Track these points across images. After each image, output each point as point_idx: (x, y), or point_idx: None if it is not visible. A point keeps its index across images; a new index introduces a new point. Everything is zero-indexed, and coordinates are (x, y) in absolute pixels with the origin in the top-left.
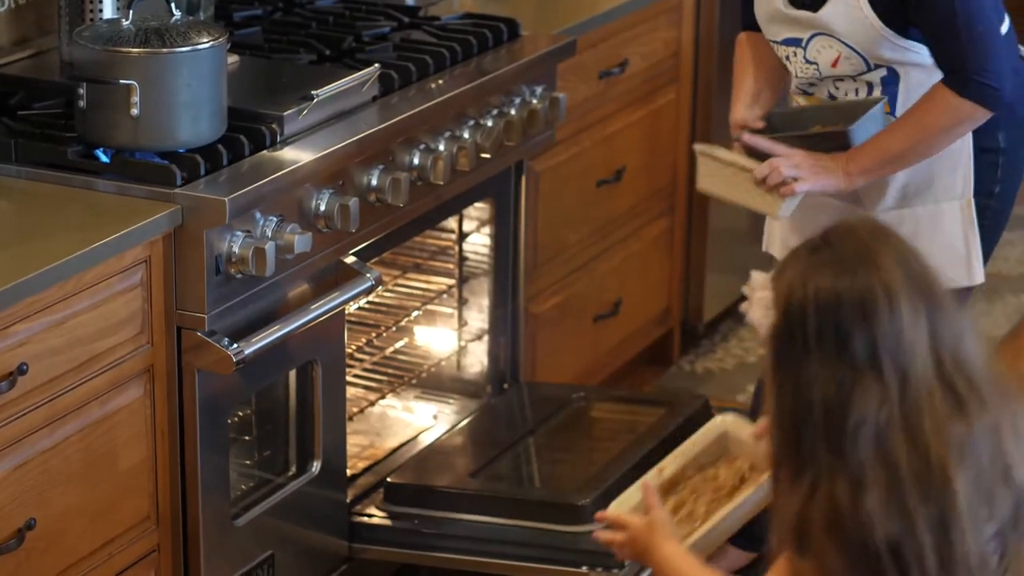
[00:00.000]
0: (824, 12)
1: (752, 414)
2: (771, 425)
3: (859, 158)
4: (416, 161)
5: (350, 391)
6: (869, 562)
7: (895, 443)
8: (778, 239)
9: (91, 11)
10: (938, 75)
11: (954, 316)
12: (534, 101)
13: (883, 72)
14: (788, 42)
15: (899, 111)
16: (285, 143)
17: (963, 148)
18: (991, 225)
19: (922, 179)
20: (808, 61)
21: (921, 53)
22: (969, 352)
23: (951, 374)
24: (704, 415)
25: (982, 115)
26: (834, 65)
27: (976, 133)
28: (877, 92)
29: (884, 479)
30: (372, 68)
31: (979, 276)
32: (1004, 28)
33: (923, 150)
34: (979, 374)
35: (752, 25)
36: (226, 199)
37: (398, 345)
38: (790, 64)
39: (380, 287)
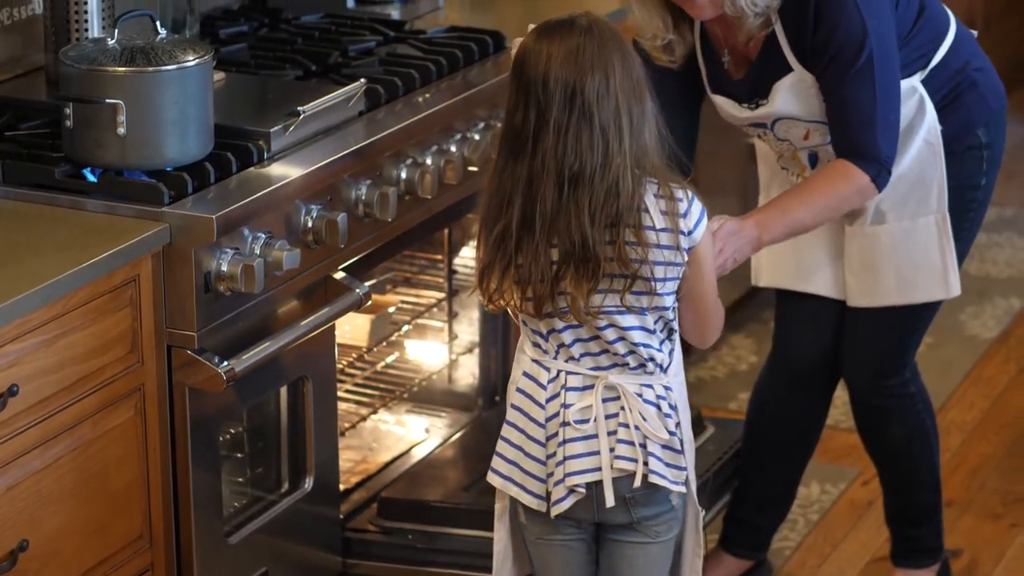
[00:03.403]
0: (777, 103)
1: (746, 424)
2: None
3: (774, 229)
4: (404, 175)
5: (342, 406)
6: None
7: (519, 155)
8: (765, 272)
9: (77, 30)
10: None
11: (626, 111)
12: None
13: None
14: (755, 126)
15: None
16: (272, 159)
17: (936, 165)
18: (976, 217)
19: (897, 196)
20: (780, 139)
21: None
22: (607, 134)
23: (578, 138)
24: (697, 425)
25: (874, 197)
26: (805, 138)
27: (958, 135)
28: None
29: (503, 176)
30: (358, 83)
31: (956, 289)
32: (950, 36)
33: (827, 220)
34: (611, 150)
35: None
36: (214, 217)
37: (389, 359)
38: (762, 141)
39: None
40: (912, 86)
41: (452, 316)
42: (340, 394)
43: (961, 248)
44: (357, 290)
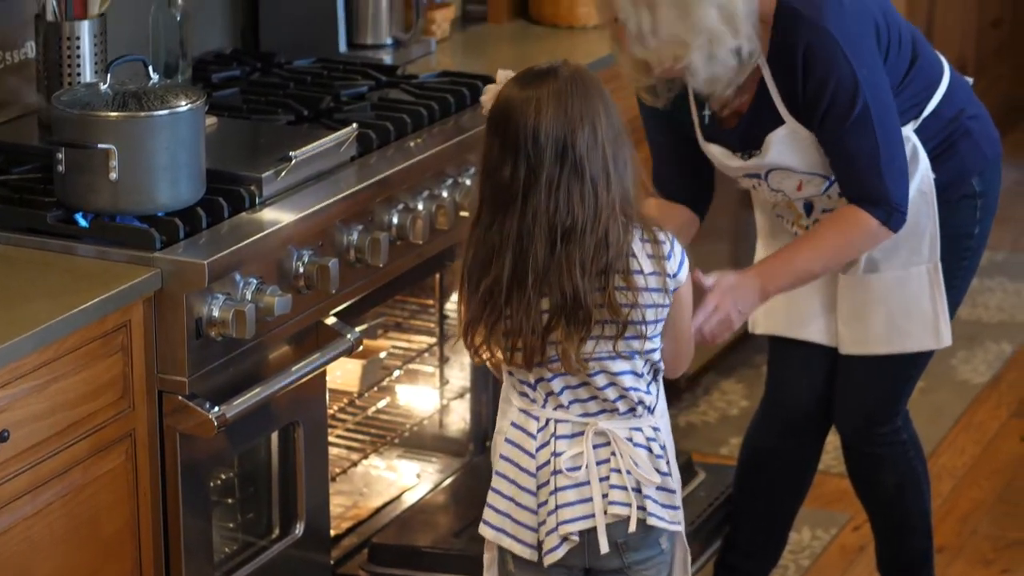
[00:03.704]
0: (770, 154)
1: (738, 469)
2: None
3: (776, 278)
4: (395, 220)
5: (333, 451)
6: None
7: (509, 210)
8: (760, 320)
9: (70, 75)
10: None
11: (612, 160)
12: None
13: None
14: (749, 176)
15: None
16: (264, 205)
17: (929, 214)
18: (969, 265)
19: (890, 244)
20: (773, 189)
21: None
22: (597, 185)
23: (569, 192)
24: (687, 470)
25: (891, 237)
26: (799, 190)
27: (952, 183)
28: None
29: (493, 231)
30: (350, 128)
31: (946, 339)
32: (944, 84)
33: (835, 267)
34: (600, 201)
35: (664, 188)
36: (205, 262)
37: (380, 404)
38: (757, 191)
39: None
40: (905, 135)
41: (443, 361)
42: (331, 439)
43: (955, 297)
44: (348, 335)
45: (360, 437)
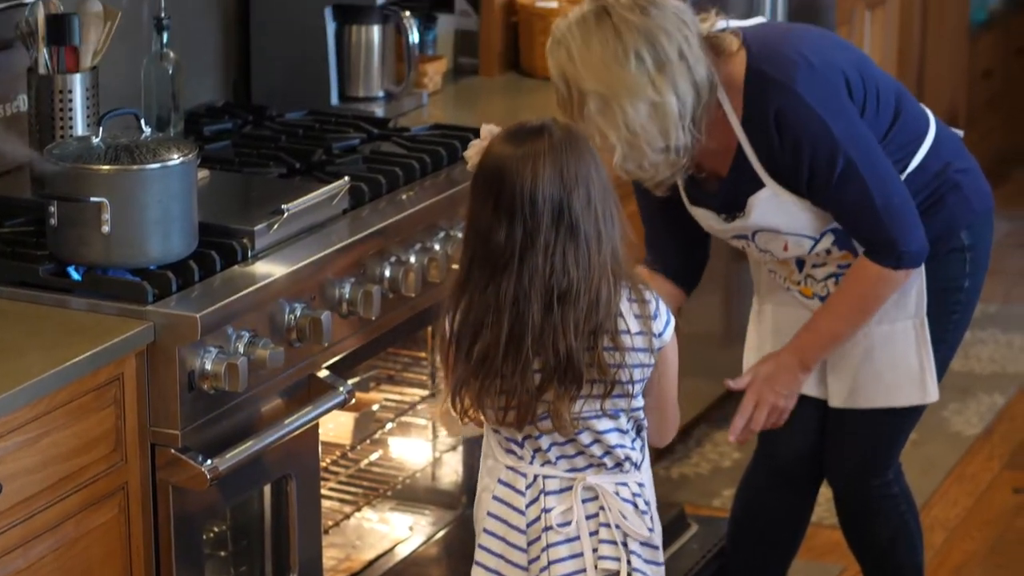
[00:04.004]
0: (753, 216)
1: (731, 522)
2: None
3: (810, 349)
4: (388, 273)
5: (325, 504)
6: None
7: (504, 274)
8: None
9: (62, 128)
10: None
11: (602, 221)
12: None
13: (831, 237)
14: (737, 237)
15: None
16: (256, 258)
17: (916, 270)
18: (960, 319)
19: None
20: (762, 250)
21: None
22: (590, 247)
23: (564, 255)
24: (680, 523)
25: (914, 273)
26: (785, 250)
27: (940, 237)
28: (835, 251)
29: (488, 293)
30: (342, 181)
31: (933, 395)
32: (929, 137)
33: (865, 322)
34: (591, 262)
35: (656, 251)
36: (198, 315)
37: (373, 457)
38: (747, 250)
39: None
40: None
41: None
42: (324, 492)
43: (946, 351)
44: (341, 388)
45: (353, 490)
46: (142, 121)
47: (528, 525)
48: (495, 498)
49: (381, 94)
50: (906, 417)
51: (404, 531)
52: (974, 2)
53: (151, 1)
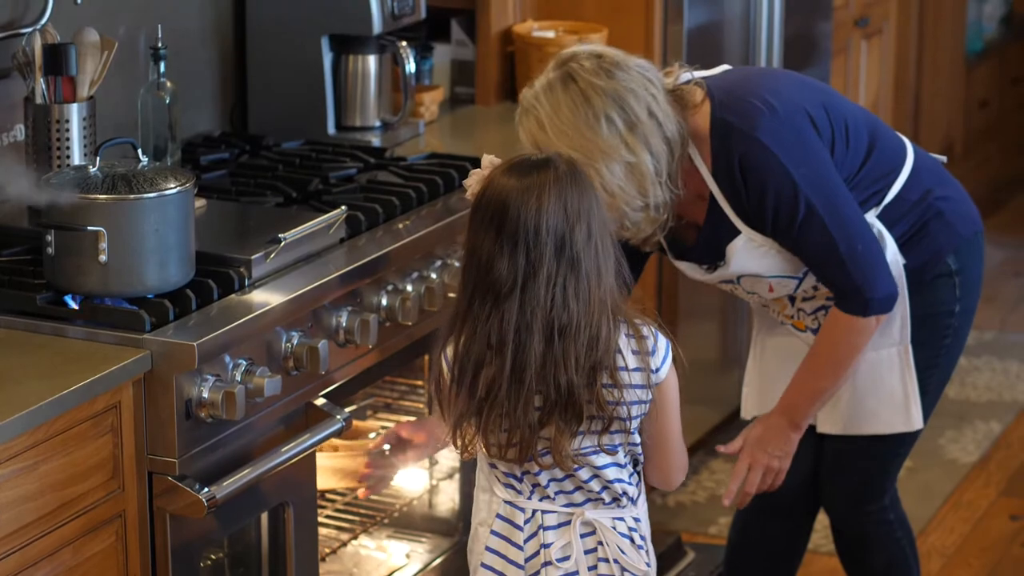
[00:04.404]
0: (733, 264)
1: (728, 549)
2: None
3: (798, 408)
4: (384, 302)
5: (322, 531)
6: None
7: (505, 307)
8: (751, 403)
9: (59, 158)
10: None
11: (601, 257)
12: None
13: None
14: (724, 282)
15: None
16: (253, 286)
17: (900, 298)
18: (952, 344)
19: None
20: (749, 292)
21: None
22: (591, 281)
23: (565, 288)
24: (677, 550)
25: (885, 318)
26: (770, 291)
27: (926, 263)
28: (822, 288)
29: (490, 326)
30: (339, 210)
31: (918, 422)
32: (907, 168)
33: (845, 374)
34: (591, 297)
35: None
36: (195, 344)
37: None
38: (735, 292)
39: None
40: (868, 221)
41: None
42: (321, 519)
43: (940, 376)
44: (338, 416)
45: (350, 517)
46: (139, 151)
47: (526, 560)
48: (493, 532)
49: (378, 124)
50: (898, 444)
51: (401, 558)
52: (970, 32)
53: (148, 31)
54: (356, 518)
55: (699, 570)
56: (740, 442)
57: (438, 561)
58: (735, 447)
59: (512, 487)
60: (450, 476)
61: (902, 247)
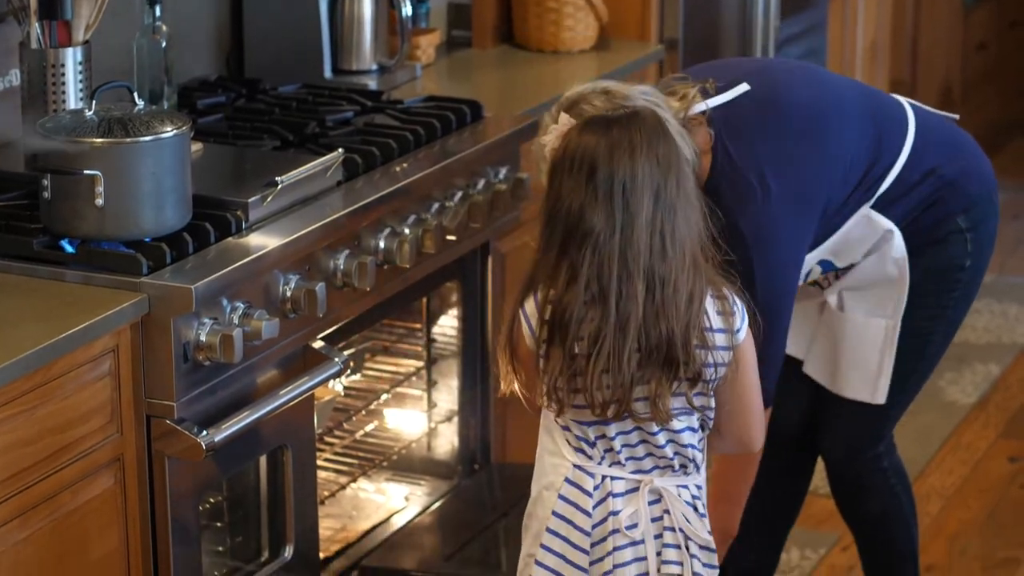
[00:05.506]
0: None
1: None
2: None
3: (731, 520)
4: (382, 245)
5: (321, 475)
6: (564, 335)
7: (605, 255)
8: None
9: (54, 102)
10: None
11: (689, 210)
12: (499, 182)
13: (818, 269)
14: None
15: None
16: (250, 230)
17: (901, 282)
18: (961, 296)
19: (858, 285)
20: None
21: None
22: (683, 233)
23: (663, 236)
24: None
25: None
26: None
27: (937, 224)
28: (823, 274)
29: (589, 277)
30: (336, 153)
31: (881, 398)
32: (903, 155)
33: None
34: (684, 249)
35: None
36: (192, 287)
37: (368, 428)
38: None
39: (349, 371)
40: (862, 213)
41: (431, 385)
42: (319, 463)
43: (947, 328)
44: (336, 359)
45: (348, 460)
46: (135, 94)
47: (594, 527)
48: (561, 497)
49: (374, 67)
50: (902, 389)
51: (400, 501)
52: None
53: None
54: (355, 461)
55: None
56: None
57: (437, 504)
58: None
59: (583, 452)
60: (449, 419)
61: (913, 220)
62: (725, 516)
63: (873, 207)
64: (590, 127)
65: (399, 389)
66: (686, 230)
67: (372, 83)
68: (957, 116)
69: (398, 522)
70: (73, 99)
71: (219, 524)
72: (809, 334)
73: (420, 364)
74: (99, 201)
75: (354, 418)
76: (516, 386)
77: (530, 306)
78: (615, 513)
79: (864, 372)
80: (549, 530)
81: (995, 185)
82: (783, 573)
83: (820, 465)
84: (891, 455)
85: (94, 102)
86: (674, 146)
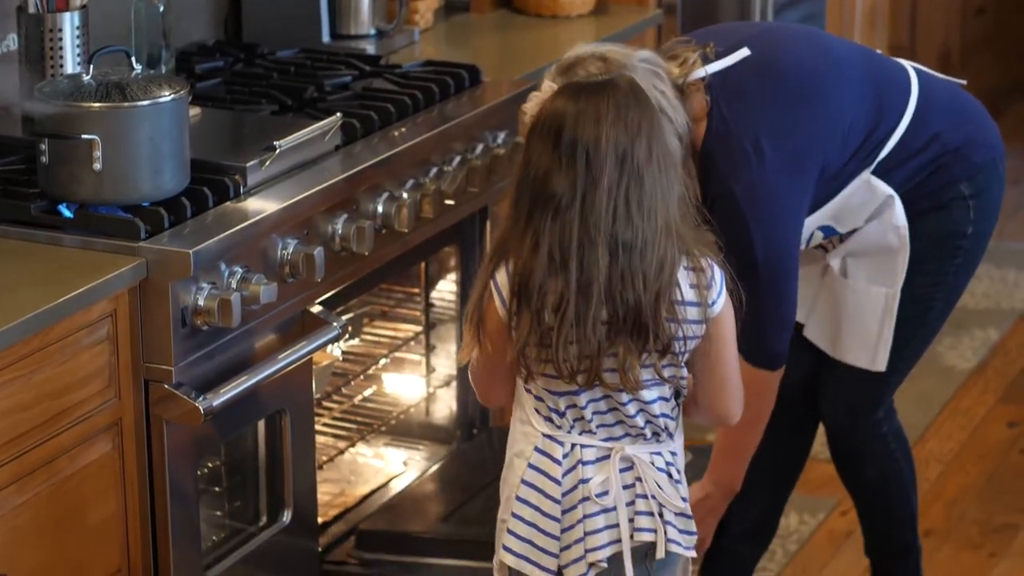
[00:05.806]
0: None
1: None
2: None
3: (727, 473)
4: (380, 209)
5: (320, 439)
6: (529, 302)
7: (567, 220)
8: None
9: (52, 67)
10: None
11: (664, 177)
12: (497, 147)
13: (819, 234)
14: None
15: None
16: (249, 194)
17: (902, 251)
18: (963, 264)
19: (862, 251)
20: None
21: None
22: (654, 199)
23: (627, 202)
24: None
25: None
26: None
27: (940, 190)
28: (825, 239)
29: (551, 243)
30: (334, 117)
31: (881, 365)
32: (904, 121)
33: (762, 427)
34: (655, 215)
35: None
36: (190, 251)
37: (367, 393)
38: None
39: (347, 335)
40: (863, 179)
41: (429, 350)
42: (318, 427)
43: (949, 295)
44: (334, 323)
45: (347, 425)
46: (133, 59)
47: (563, 495)
48: (531, 466)
49: (372, 32)
50: (901, 356)
51: (398, 466)
52: None
53: None
54: (353, 426)
55: (698, 472)
56: None
57: (436, 468)
58: None
59: (552, 421)
60: (447, 384)
61: (916, 186)
62: (729, 472)
63: (874, 172)
64: (562, 94)
65: (397, 354)
66: (659, 196)
67: (370, 48)
68: (964, 81)
69: (396, 486)
70: (71, 63)
71: (217, 489)
72: (810, 299)
73: (419, 329)
74: (97, 166)
75: (352, 383)
76: (473, 360)
77: (501, 276)
78: (585, 481)
79: (864, 339)
80: (519, 498)
81: (1001, 152)
82: (782, 537)
83: (820, 430)
84: (891, 420)
85: (92, 66)
86: (649, 113)
